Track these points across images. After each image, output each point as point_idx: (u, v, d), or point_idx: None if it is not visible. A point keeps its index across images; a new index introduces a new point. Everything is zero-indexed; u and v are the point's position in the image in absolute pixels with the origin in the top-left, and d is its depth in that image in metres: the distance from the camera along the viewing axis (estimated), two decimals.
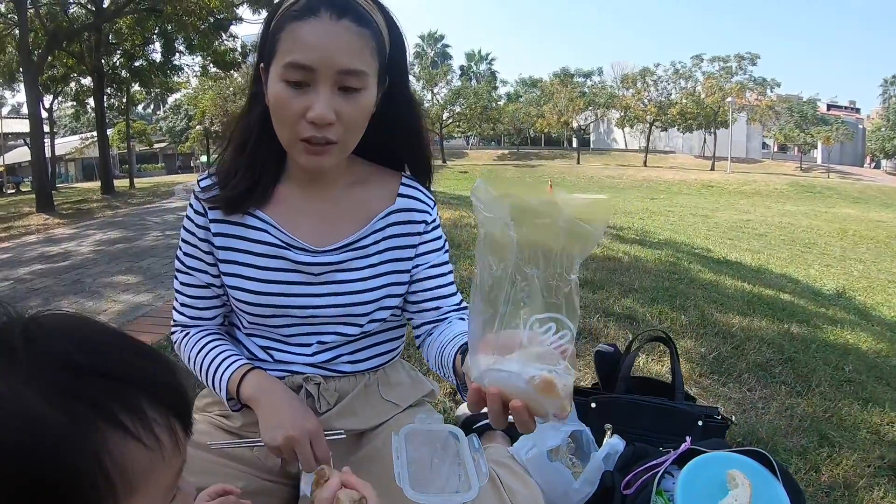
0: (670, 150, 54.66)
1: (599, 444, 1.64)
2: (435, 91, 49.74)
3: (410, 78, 1.18)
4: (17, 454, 0.44)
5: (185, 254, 1.18)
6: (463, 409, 2.00)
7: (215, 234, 1.14)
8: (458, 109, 47.74)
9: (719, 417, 1.76)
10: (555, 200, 0.72)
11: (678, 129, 45.94)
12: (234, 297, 1.15)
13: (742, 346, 3.07)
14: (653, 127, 46.21)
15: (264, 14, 1.58)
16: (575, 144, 54.69)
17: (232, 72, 24.41)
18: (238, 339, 1.24)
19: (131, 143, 33.78)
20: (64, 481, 0.46)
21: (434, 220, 1.22)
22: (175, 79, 23.79)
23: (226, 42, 19.89)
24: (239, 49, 20.12)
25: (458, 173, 32.73)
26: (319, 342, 1.17)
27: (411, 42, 1.13)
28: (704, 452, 1.35)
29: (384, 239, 1.17)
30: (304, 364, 1.17)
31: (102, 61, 18.97)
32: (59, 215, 12.44)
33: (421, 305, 1.21)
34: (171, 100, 47.95)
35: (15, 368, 0.48)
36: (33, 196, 14.90)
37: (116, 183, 22.06)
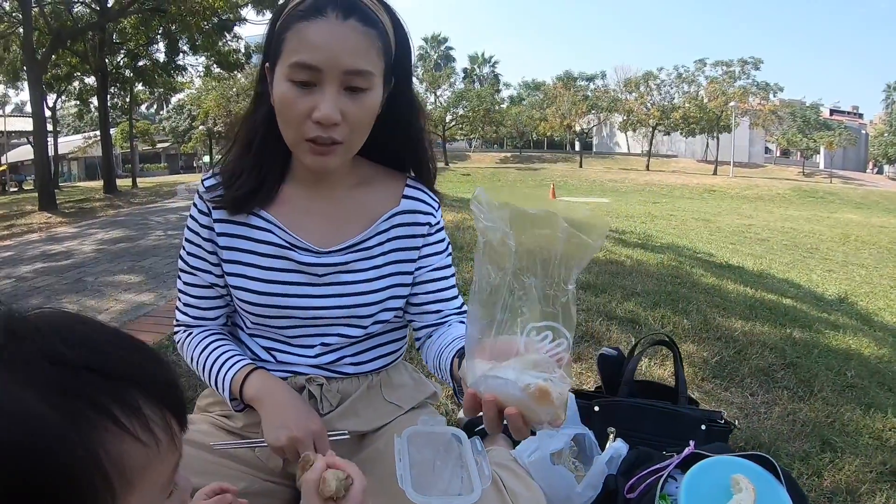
0: (673, 154, 54.62)
1: (602, 447, 1.64)
2: (438, 93, 49.73)
3: (413, 80, 1.18)
4: (13, 453, 0.44)
5: (189, 253, 1.17)
6: None
7: (219, 234, 1.14)
8: (460, 112, 47.71)
9: (722, 422, 1.75)
10: (554, 211, 0.73)
11: (681, 134, 45.86)
12: (237, 298, 1.15)
13: (744, 350, 3.07)
14: (655, 131, 46.16)
15: (268, 15, 1.58)
16: (577, 148, 54.56)
17: (235, 73, 24.49)
18: (241, 339, 1.23)
19: (134, 142, 33.78)
20: (61, 479, 0.45)
21: (438, 223, 1.22)
22: (178, 79, 23.75)
23: (229, 43, 19.90)
24: (242, 50, 20.13)
25: (461, 176, 32.75)
26: (322, 344, 1.16)
27: (415, 44, 1.13)
28: (708, 457, 1.35)
29: (388, 240, 1.16)
30: (306, 365, 1.17)
31: (106, 60, 19.01)
32: (61, 214, 12.45)
33: (422, 308, 1.21)
34: (174, 100, 47.96)
35: (4, 366, 0.48)
36: (36, 194, 14.91)
37: (119, 182, 22.09)
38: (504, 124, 49.00)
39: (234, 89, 36.10)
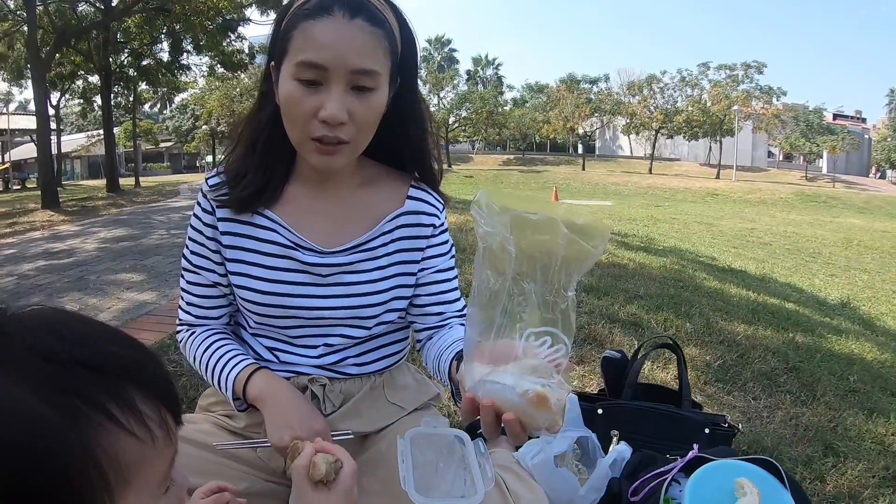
0: (676, 157, 54.55)
1: (606, 450, 1.63)
2: (441, 95, 49.70)
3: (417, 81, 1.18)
4: (13, 453, 0.43)
5: (192, 252, 1.17)
6: None
7: (223, 233, 1.13)
8: (464, 114, 47.68)
9: (726, 425, 1.75)
10: (555, 217, 0.72)
11: (684, 137, 45.80)
12: (241, 297, 1.14)
13: (747, 354, 3.06)
14: (658, 134, 46.10)
15: (272, 16, 1.58)
16: (580, 150, 54.55)
17: (239, 73, 24.53)
18: (244, 339, 1.23)
19: (137, 141, 33.85)
20: (59, 479, 0.45)
21: (442, 224, 1.21)
22: (182, 78, 23.86)
23: (233, 43, 19.97)
24: (246, 50, 20.20)
25: (464, 177, 32.73)
26: (326, 344, 1.16)
27: (419, 46, 1.12)
28: (712, 460, 1.34)
29: (393, 241, 1.16)
30: (309, 366, 1.16)
31: (110, 59, 19.08)
32: (64, 212, 12.48)
33: (424, 309, 1.20)
34: (177, 99, 48.00)
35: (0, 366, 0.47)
36: (39, 192, 14.96)
37: (122, 181, 22.15)
38: (507, 126, 49.02)
39: (238, 89, 36.12)
